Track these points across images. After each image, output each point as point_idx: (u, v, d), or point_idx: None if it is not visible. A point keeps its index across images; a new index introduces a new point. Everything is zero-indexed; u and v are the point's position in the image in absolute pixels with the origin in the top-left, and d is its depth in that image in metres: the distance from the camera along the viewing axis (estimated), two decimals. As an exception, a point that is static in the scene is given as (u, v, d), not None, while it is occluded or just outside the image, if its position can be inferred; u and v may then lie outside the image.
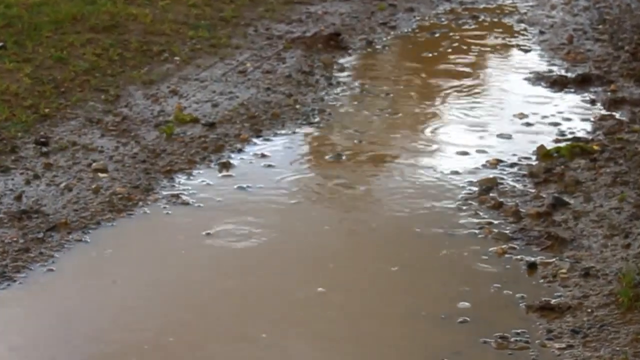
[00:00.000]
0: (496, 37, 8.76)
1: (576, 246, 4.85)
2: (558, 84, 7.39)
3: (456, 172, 5.76)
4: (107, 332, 4.10)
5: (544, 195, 5.39)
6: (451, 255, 4.82)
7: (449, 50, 8.35)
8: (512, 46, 8.52)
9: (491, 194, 5.43)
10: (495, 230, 5.02)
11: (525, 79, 7.59)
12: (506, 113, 6.85)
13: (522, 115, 6.72)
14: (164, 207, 5.23)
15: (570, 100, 7.10)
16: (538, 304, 4.31)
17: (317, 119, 6.58)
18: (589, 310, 4.27)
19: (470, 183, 5.60)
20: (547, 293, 4.43)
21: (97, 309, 4.27)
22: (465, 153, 6.08)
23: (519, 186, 5.56)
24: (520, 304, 4.34)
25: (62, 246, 4.77)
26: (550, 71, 7.71)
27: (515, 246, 4.87)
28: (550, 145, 6.10)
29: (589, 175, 5.67)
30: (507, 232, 5.01)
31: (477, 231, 5.04)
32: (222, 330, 4.16)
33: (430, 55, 8.21)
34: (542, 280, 4.55)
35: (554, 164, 5.81)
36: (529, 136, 6.36)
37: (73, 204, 5.16)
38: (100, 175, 5.52)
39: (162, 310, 4.30)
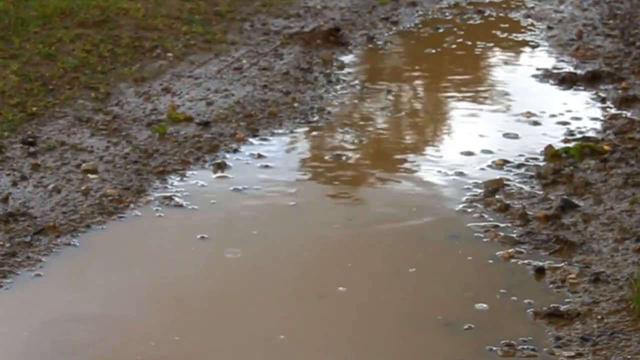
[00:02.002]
0: (502, 33, 8.77)
1: (586, 250, 4.85)
2: (567, 81, 7.40)
3: (461, 173, 5.77)
4: (97, 339, 4.10)
5: (552, 197, 5.40)
6: (455, 259, 4.82)
7: (453, 46, 8.36)
8: (519, 42, 8.53)
9: (497, 196, 5.43)
10: (502, 234, 5.03)
11: (533, 76, 7.60)
12: (513, 111, 6.86)
13: (529, 114, 6.73)
14: (157, 210, 5.23)
15: (579, 98, 7.10)
16: (546, 310, 4.31)
17: (316, 118, 6.58)
18: (599, 317, 4.27)
19: (476, 184, 5.60)
20: (555, 299, 4.43)
21: (87, 316, 4.26)
22: (470, 153, 6.08)
23: (526, 188, 5.56)
24: (528, 310, 4.35)
25: (50, 250, 4.77)
26: (559, 68, 7.72)
27: (523, 250, 4.88)
28: (558, 145, 6.10)
29: (599, 177, 5.67)
30: (514, 235, 5.01)
31: (482, 235, 5.04)
32: (234, 337, 4.16)
33: (434, 51, 8.21)
34: (550, 286, 4.55)
35: (563, 165, 5.81)
36: (537, 136, 6.37)
37: (62, 207, 5.16)
38: (90, 176, 5.52)
39: (157, 317, 4.30)
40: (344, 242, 5.01)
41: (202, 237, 4.96)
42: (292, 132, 6.35)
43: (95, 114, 6.41)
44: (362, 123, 6.64)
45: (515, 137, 6.35)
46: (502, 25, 8.99)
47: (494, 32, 8.79)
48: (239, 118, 6.47)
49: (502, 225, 5.12)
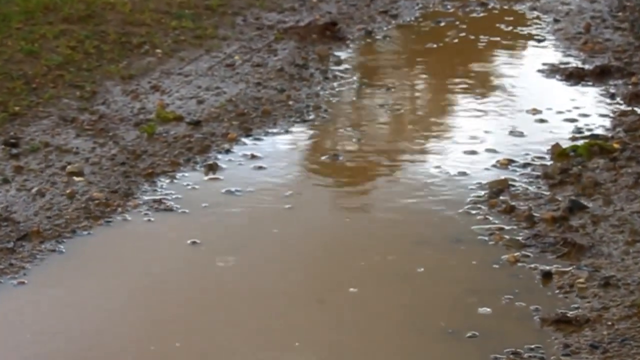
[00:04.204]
0: (507, 26, 8.77)
1: (595, 253, 4.85)
2: (574, 76, 7.41)
3: (464, 173, 5.77)
4: (83, 351, 4.10)
5: (560, 198, 5.40)
6: (458, 264, 4.82)
7: (455, 40, 8.37)
8: (525, 36, 8.53)
9: (502, 197, 5.44)
10: (507, 237, 5.03)
11: (539, 71, 7.60)
12: (518, 108, 6.86)
13: (535, 111, 6.73)
14: (145, 214, 5.23)
15: (587, 94, 7.11)
16: (554, 316, 4.32)
17: (312, 116, 6.58)
18: (609, 323, 4.27)
19: (479, 185, 5.60)
20: (563, 305, 4.43)
21: (73, 326, 4.26)
22: (473, 152, 6.09)
23: (532, 188, 5.57)
24: (535, 317, 4.35)
25: (34, 257, 4.76)
26: (566, 63, 7.73)
27: (529, 254, 4.88)
28: (566, 144, 6.10)
29: (609, 176, 5.68)
30: (520, 238, 5.01)
31: (487, 238, 5.04)
32: (230, 344, 4.16)
33: (435, 46, 8.22)
34: (558, 291, 4.56)
35: (571, 164, 5.82)
36: (543, 133, 6.38)
37: (46, 211, 5.16)
38: (76, 179, 5.51)
39: (148, 327, 4.30)
40: (342, 247, 5.01)
41: (194, 243, 4.96)
42: (287, 131, 6.35)
43: (81, 113, 6.41)
44: (360, 121, 6.64)
45: (521, 135, 6.35)
46: (506, 18, 8.99)
47: (498, 25, 8.80)
48: (232, 117, 6.48)
49: (507, 227, 5.12)
